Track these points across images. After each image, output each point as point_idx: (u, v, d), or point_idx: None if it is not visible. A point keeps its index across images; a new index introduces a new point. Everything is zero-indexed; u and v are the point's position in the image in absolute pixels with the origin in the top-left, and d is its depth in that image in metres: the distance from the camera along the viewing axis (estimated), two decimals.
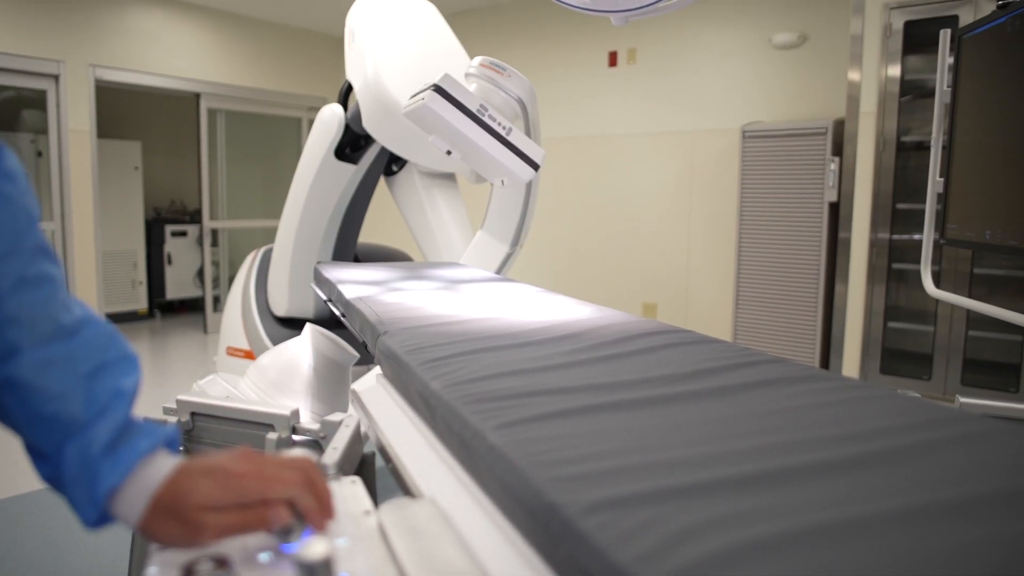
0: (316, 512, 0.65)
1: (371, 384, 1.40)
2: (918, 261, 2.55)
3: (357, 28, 2.79)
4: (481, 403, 0.90)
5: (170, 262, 6.81)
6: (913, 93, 3.72)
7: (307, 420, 1.29)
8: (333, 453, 1.02)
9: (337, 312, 1.96)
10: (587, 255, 5.57)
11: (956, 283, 3.52)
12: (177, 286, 6.88)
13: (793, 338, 4.29)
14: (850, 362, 3.94)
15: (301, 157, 3.13)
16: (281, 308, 3.42)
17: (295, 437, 1.23)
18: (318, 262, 2.78)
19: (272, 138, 6.95)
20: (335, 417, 1.20)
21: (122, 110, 6.73)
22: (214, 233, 6.42)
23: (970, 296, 3.39)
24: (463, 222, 3.10)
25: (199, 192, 6.21)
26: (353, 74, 2.78)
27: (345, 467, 1.04)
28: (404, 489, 0.95)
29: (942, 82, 2.37)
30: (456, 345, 1.21)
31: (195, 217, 6.95)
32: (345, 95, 3.04)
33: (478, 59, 2.10)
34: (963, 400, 1.22)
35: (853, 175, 3.84)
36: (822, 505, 0.61)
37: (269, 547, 0.63)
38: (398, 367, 1.19)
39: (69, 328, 0.65)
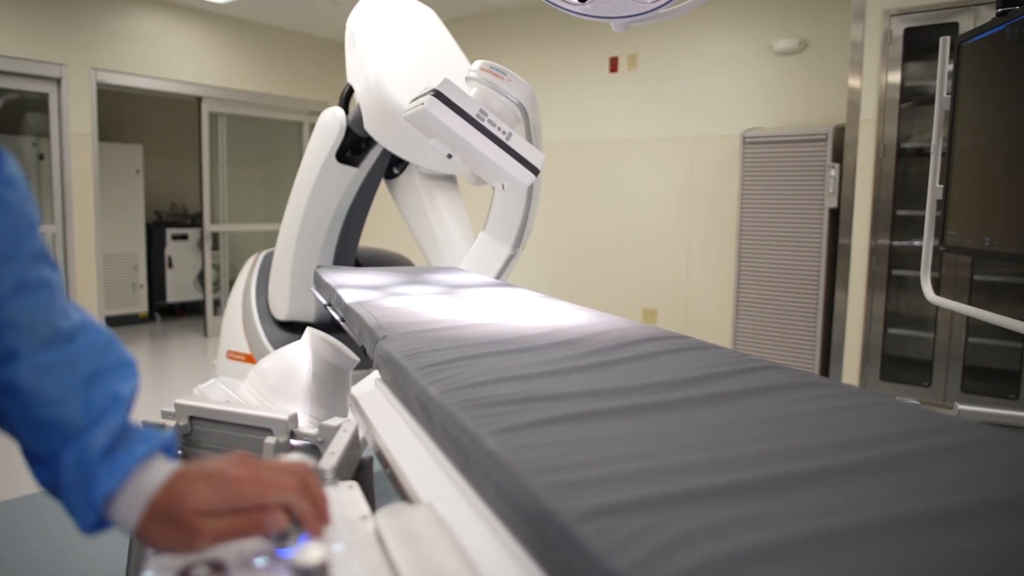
0: (312, 517, 0.65)
1: (369, 389, 1.40)
2: (918, 267, 2.55)
3: (358, 32, 2.81)
4: (478, 408, 0.90)
5: (171, 265, 6.81)
6: (913, 100, 3.73)
7: (305, 425, 1.29)
8: (331, 458, 1.02)
9: (336, 316, 1.96)
10: (587, 260, 5.57)
11: (956, 290, 3.52)
12: (177, 289, 6.88)
13: (793, 344, 4.29)
14: (850, 368, 3.94)
15: (303, 160, 3.14)
16: (282, 312, 3.42)
17: (293, 442, 1.23)
18: (318, 266, 2.79)
19: (273, 142, 6.96)
20: (333, 422, 1.20)
21: (123, 113, 6.74)
22: (215, 236, 6.42)
23: (970, 303, 3.39)
24: (464, 224, 3.11)
25: (200, 195, 6.22)
26: (354, 77, 2.80)
27: (343, 472, 1.04)
28: (401, 494, 0.95)
29: (942, 89, 2.37)
30: (454, 350, 1.21)
31: (196, 220, 6.96)
32: (346, 98, 3.05)
33: (478, 63, 2.10)
34: (962, 407, 1.22)
35: (853, 181, 3.84)
36: (818, 512, 0.61)
37: (265, 552, 0.63)
38: (396, 372, 1.19)
39: (67, 333, 0.66)
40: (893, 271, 3.80)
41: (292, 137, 6.85)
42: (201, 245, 6.45)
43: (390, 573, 0.63)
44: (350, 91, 3.01)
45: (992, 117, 2.16)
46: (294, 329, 3.48)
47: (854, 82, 3.79)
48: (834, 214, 4.08)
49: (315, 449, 1.24)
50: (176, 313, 7.11)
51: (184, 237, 6.89)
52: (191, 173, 6.90)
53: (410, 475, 0.96)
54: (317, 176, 3.03)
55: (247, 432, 1.26)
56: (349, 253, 3.40)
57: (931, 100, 3.16)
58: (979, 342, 3.56)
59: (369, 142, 3.02)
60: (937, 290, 3.32)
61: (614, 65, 5.34)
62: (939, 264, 3.53)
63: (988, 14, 3.27)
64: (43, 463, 0.64)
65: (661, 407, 0.91)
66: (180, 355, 5.59)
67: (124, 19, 5.47)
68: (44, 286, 0.65)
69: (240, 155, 6.60)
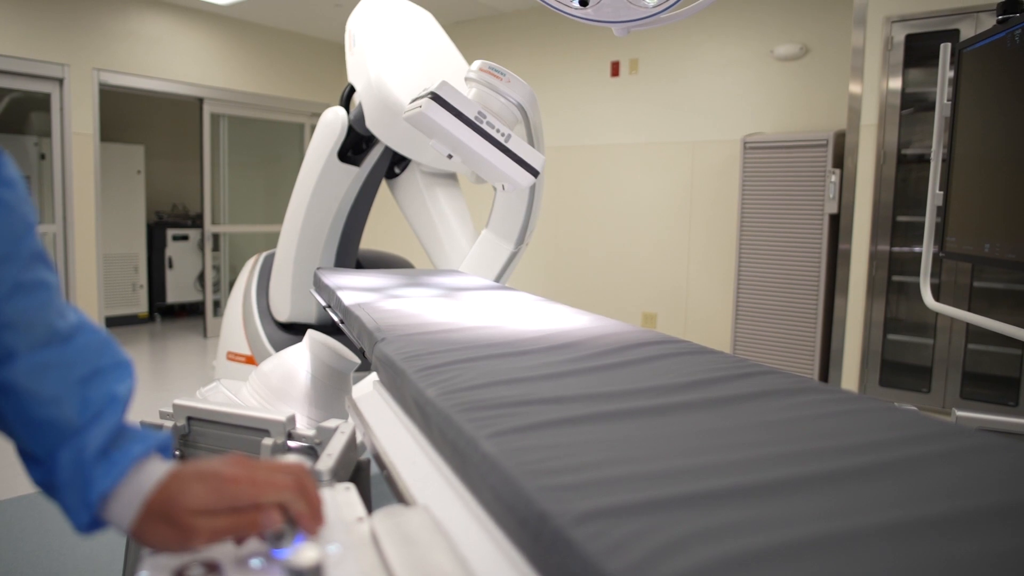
0: (307, 517, 0.65)
1: (368, 391, 1.40)
2: (918, 273, 2.55)
3: (358, 32, 2.83)
4: (476, 411, 0.90)
5: (171, 266, 6.82)
6: (914, 106, 3.73)
7: (303, 426, 1.28)
8: (327, 460, 1.02)
9: (336, 318, 1.96)
10: (587, 264, 5.57)
11: (956, 296, 3.52)
12: (178, 290, 6.88)
13: (792, 350, 4.29)
14: (849, 374, 3.94)
15: (304, 160, 3.15)
16: (283, 314, 3.42)
17: (291, 443, 1.23)
18: (318, 268, 2.79)
19: (274, 143, 6.97)
20: (331, 423, 1.20)
21: (125, 114, 6.75)
22: (215, 237, 6.43)
23: (970, 309, 3.39)
24: (466, 221, 3.12)
25: (201, 196, 6.22)
26: (355, 76, 2.82)
27: (340, 474, 1.04)
28: (398, 496, 0.95)
29: (942, 95, 2.38)
30: (453, 353, 1.21)
31: (196, 221, 6.97)
32: (347, 98, 3.06)
33: (477, 63, 2.10)
34: (959, 413, 1.22)
35: (854, 187, 3.85)
36: (813, 517, 0.61)
37: (260, 553, 0.63)
38: (394, 374, 1.19)
39: (64, 333, 0.66)
40: (893, 277, 3.80)
41: (293, 139, 6.86)
42: (202, 246, 6.45)
43: (385, 574, 0.63)
44: (351, 91, 3.03)
45: (992, 124, 2.17)
46: (295, 330, 3.48)
47: (855, 88, 3.80)
48: (834, 220, 4.08)
49: (313, 451, 1.24)
50: (176, 314, 7.11)
51: (185, 238, 6.89)
52: (192, 174, 6.90)
53: (407, 477, 0.96)
54: (319, 175, 3.04)
55: (244, 433, 1.26)
56: (350, 254, 3.41)
57: (932, 106, 3.16)
58: (979, 348, 3.55)
59: (370, 141, 3.04)
60: (937, 296, 3.32)
61: (615, 69, 5.34)
62: (939, 270, 3.53)
63: (989, 21, 3.28)
64: (39, 463, 0.64)
65: (658, 411, 0.91)
66: (179, 356, 5.59)
67: (127, 20, 5.48)
68: (41, 287, 0.66)
69: (241, 156, 6.60)
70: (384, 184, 3.37)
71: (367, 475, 1.20)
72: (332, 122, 2.99)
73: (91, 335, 0.68)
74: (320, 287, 2.22)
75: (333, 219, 3.20)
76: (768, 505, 0.63)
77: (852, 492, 0.67)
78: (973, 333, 3.54)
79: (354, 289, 2.00)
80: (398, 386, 1.17)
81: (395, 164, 3.23)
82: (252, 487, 0.63)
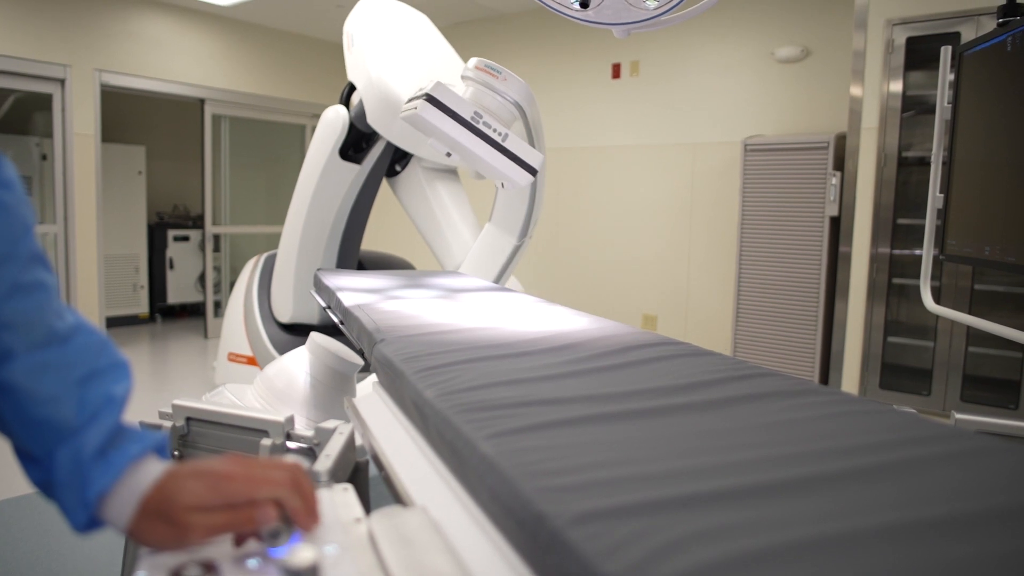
0: (302, 513, 0.65)
1: (367, 392, 1.40)
2: (919, 276, 2.55)
3: (356, 32, 2.86)
4: (474, 412, 0.90)
5: (172, 267, 6.82)
6: (915, 109, 3.73)
7: (302, 427, 1.28)
8: (326, 460, 1.02)
9: (336, 319, 1.96)
10: (588, 266, 5.57)
11: (956, 299, 3.51)
12: (179, 291, 6.88)
13: (793, 352, 4.29)
14: (849, 377, 3.93)
15: (306, 159, 3.16)
16: (286, 314, 3.42)
17: (289, 444, 1.23)
18: (318, 269, 2.79)
19: (275, 144, 6.97)
20: (329, 424, 1.20)
21: (127, 115, 6.76)
22: (216, 238, 6.43)
23: (970, 312, 3.39)
24: (469, 215, 3.13)
25: (202, 197, 6.23)
26: (355, 74, 2.85)
27: (338, 474, 1.04)
28: (396, 497, 0.95)
29: (943, 98, 2.37)
30: (452, 354, 1.21)
31: (197, 222, 6.97)
32: (347, 97, 3.08)
33: (473, 60, 2.09)
34: (958, 416, 1.22)
35: (854, 189, 3.85)
36: (811, 519, 0.61)
37: (257, 553, 0.63)
38: (393, 375, 1.19)
39: (62, 334, 0.66)
40: (893, 279, 3.80)
41: (295, 140, 6.86)
42: (202, 247, 6.45)
43: (382, 575, 0.63)
44: (350, 89, 3.06)
45: (993, 127, 2.17)
46: (297, 331, 3.49)
47: (856, 90, 3.80)
48: (835, 222, 4.08)
49: (311, 452, 1.24)
50: (176, 314, 7.11)
51: (185, 239, 6.90)
52: (193, 175, 6.91)
53: (405, 478, 0.96)
54: (321, 174, 3.06)
55: (243, 434, 1.26)
56: (352, 255, 3.41)
57: (932, 109, 3.16)
58: (979, 351, 3.55)
59: (371, 140, 3.06)
60: (937, 299, 3.32)
61: (616, 71, 5.35)
62: (939, 273, 3.53)
63: (990, 24, 3.28)
64: (36, 462, 0.64)
65: (657, 412, 0.91)
66: (180, 356, 5.59)
67: (128, 21, 5.49)
68: (40, 288, 0.66)
69: (242, 157, 6.61)
70: (385, 186, 3.37)
71: (366, 476, 1.20)
72: (333, 120, 3.01)
73: (89, 336, 0.68)
74: (320, 288, 2.22)
75: (335, 218, 3.21)
76: (766, 507, 0.63)
77: (850, 494, 0.67)
78: (973, 336, 3.53)
79: (354, 290, 2.00)
80: (397, 387, 1.17)
81: (396, 162, 3.24)
82: (247, 483, 0.63)
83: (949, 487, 0.68)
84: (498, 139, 1.88)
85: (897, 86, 3.67)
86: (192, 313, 7.16)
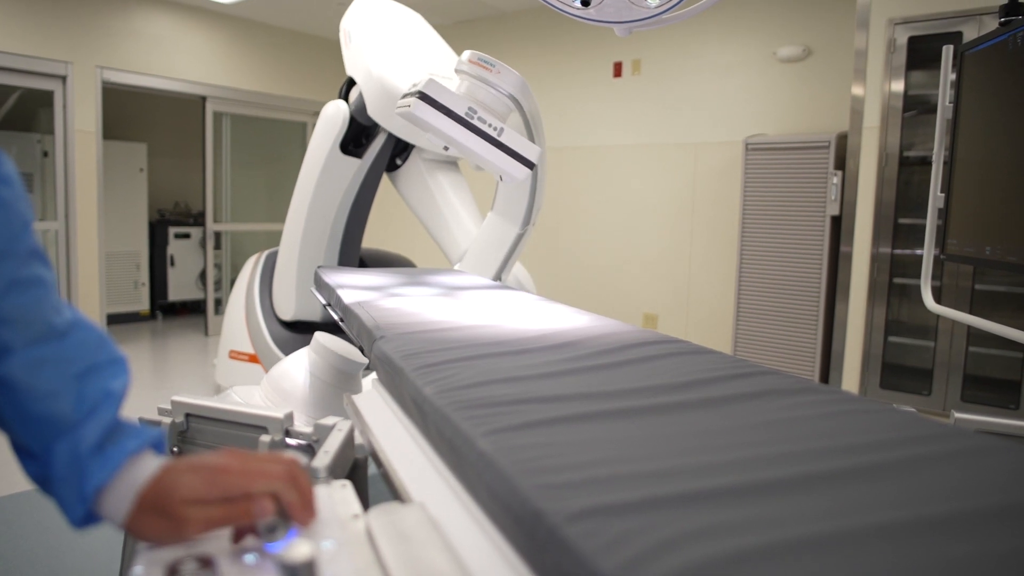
0: (299, 507, 0.65)
1: (366, 389, 1.40)
2: (919, 276, 2.54)
3: (353, 29, 2.90)
4: (473, 409, 0.90)
5: (173, 264, 6.82)
6: (916, 108, 3.72)
7: (301, 423, 1.28)
8: (324, 456, 1.02)
9: (336, 317, 1.96)
10: (589, 264, 5.57)
11: (957, 299, 3.51)
12: (179, 288, 6.89)
13: (793, 351, 4.28)
14: (850, 376, 3.93)
15: (306, 155, 3.16)
16: (288, 312, 3.42)
17: (288, 440, 1.23)
18: (319, 267, 2.79)
19: (277, 142, 6.97)
20: (328, 421, 1.20)
21: (128, 112, 6.76)
22: (217, 236, 6.43)
23: (971, 312, 3.38)
24: (471, 204, 3.15)
25: (203, 195, 6.23)
26: (354, 69, 2.88)
27: (336, 471, 1.04)
28: (394, 494, 0.94)
29: (944, 98, 2.37)
30: (451, 351, 1.21)
31: (198, 219, 6.97)
32: (346, 92, 3.10)
33: (467, 54, 2.08)
34: (958, 415, 1.21)
35: (855, 189, 3.84)
36: (808, 518, 0.61)
37: (253, 548, 0.63)
38: (392, 372, 1.19)
39: (61, 330, 0.66)
40: (894, 279, 3.80)
41: (296, 137, 6.86)
42: (203, 244, 6.46)
43: (379, 572, 0.63)
44: (349, 84, 3.08)
45: (994, 126, 2.16)
46: (300, 328, 3.49)
47: (857, 90, 3.79)
48: (836, 221, 4.07)
49: (311, 448, 1.24)
50: (177, 312, 7.12)
51: (186, 236, 6.90)
52: (194, 172, 6.91)
53: (403, 475, 0.96)
54: (322, 168, 3.07)
55: (242, 430, 1.26)
56: (353, 251, 3.42)
57: (934, 109, 3.16)
58: (980, 351, 3.55)
59: (371, 134, 3.08)
60: (938, 299, 3.31)
61: (618, 70, 5.34)
62: (940, 273, 3.52)
63: (992, 24, 3.27)
64: (34, 457, 0.64)
65: (656, 410, 0.91)
66: (181, 354, 5.59)
67: (130, 18, 5.49)
68: (38, 283, 0.66)
69: (244, 155, 6.61)
70: (385, 184, 3.38)
71: (364, 473, 1.20)
72: (333, 115, 3.02)
73: (87, 332, 0.69)
74: (321, 285, 2.22)
75: (336, 213, 3.22)
76: (764, 505, 0.63)
77: (849, 492, 0.67)
78: (974, 336, 3.53)
79: (354, 288, 2.00)
80: (396, 384, 1.17)
81: (396, 156, 3.25)
82: (244, 477, 0.63)
83: (948, 486, 0.68)
84: (493, 134, 1.87)
85: (899, 85, 3.66)
86: (193, 310, 7.17)
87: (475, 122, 1.86)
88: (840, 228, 3.98)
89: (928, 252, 2.47)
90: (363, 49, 2.79)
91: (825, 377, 4.14)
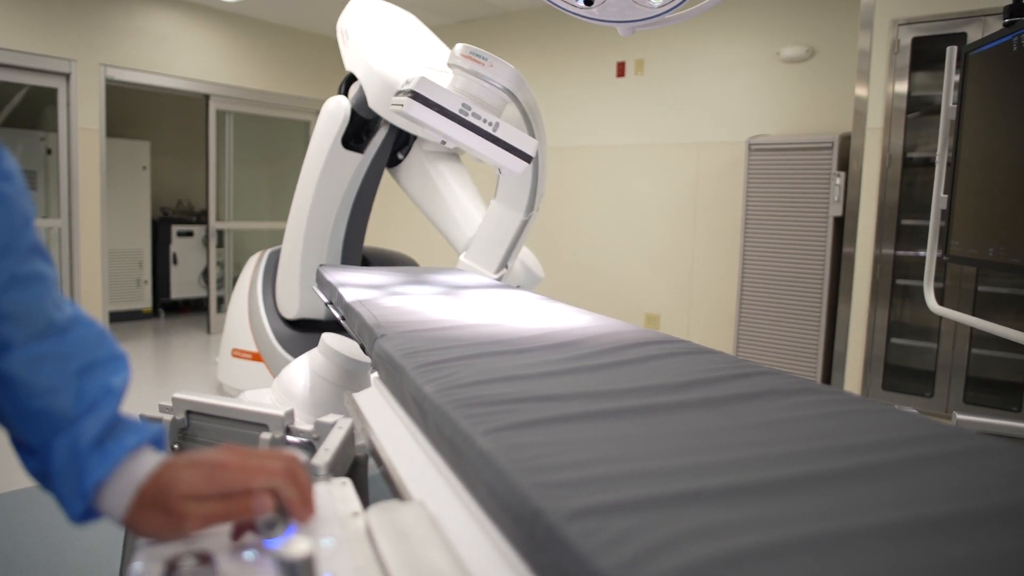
0: (298, 503, 0.65)
1: (367, 387, 1.40)
2: (922, 277, 2.54)
3: (350, 27, 2.93)
4: (473, 408, 0.90)
5: (175, 262, 6.83)
6: (920, 109, 3.72)
7: (301, 421, 1.28)
8: (324, 454, 1.02)
9: (337, 315, 1.96)
10: (591, 264, 5.57)
11: (960, 300, 3.50)
12: (182, 286, 6.89)
13: (795, 352, 4.28)
14: (852, 378, 3.92)
15: (308, 152, 3.17)
16: (292, 310, 3.42)
17: (289, 438, 1.23)
18: (321, 265, 2.80)
19: (280, 140, 6.98)
20: (329, 419, 1.20)
21: (131, 110, 6.76)
22: (220, 234, 6.44)
23: (974, 314, 3.38)
24: (474, 193, 3.17)
25: (206, 193, 6.23)
26: (353, 64, 2.90)
27: (336, 469, 1.04)
28: (394, 492, 0.94)
29: (948, 99, 2.36)
30: (452, 350, 1.21)
31: (201, 218, 6.97)
32: (346, 88, 3.12)
33: (459, 47, 2.08)
34: (960, 417, 1.21)
35: (858, 190, 3.83)
36: (808, 517, 0.60)
37: (252, 545, 0.63)
38: (393, 370, 1.19)
39: (61, 326, 0.67)
40: (897, 281, 3.79)
41: (299, 136, 6.87)
42: (206, 242, 6.46)
43: (379, 570, 0.63)
44: (348, 81, 3.11)
45: (998, 127, 2.16)
46: (303, 327, 3.49)
47: (861, 91, 3.78)
48: (838, 222, 4.06)
49: (311, 446, 1.24)
50: (180, 310, 7.12)
51: (189, 234, 6.90)
52: (197, 170, 6.91)
53: (403, 473, 0.96)
54: (324, 164, 3.08)
55: (243, 428, 1.26)
56: (356, 249, 3.42)
57: (938, 110, 3.15)
58: (982, 353, 3.54)
59: (372, 128, 3.09)
60: (941, 300, 3.30)
61: (621, 70, 5.34)
62: (943, 274, 3.52)
63: (996, 24, 3.27)
64: (33, 452, 0.64)
65: (656, 410, 0.91)
66: (183, 352, 5.60)
67: (134, 16, 5.49)
68: (39, 279, 0.66)
69: (247, 153, 6.61)
70: (387, 183, 3.38)
71: (364, 471, 1.20)
72: (334, 110, 3.03)
73: (87, 328, 0.69)
74: (323, 284, 2.22)
75: (339, 209, 3.22)
76: (764, 504, 0.63)
77: (850, 492, 0.66)
78: (977, 338, 3.52)
79: (356, 286, 2.00)
80: (397, 382, 1.17)
81: (398, 150, 3.26)
82: (243, 472, 0.64)
83: (949, 486, 0.68)
84: (489, 130, 1.87)
85: (902, 86, 3.66)
86: (195, 309, 7.17)
87: (469, 118, 1.86)
88: (843, 229, 3.97)
89: (931, 253, 2.46)
90: (361, 45, 2.82)
91: (827, 378, 4.13)
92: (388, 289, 1.98)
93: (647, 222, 5.27)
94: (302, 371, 2.07)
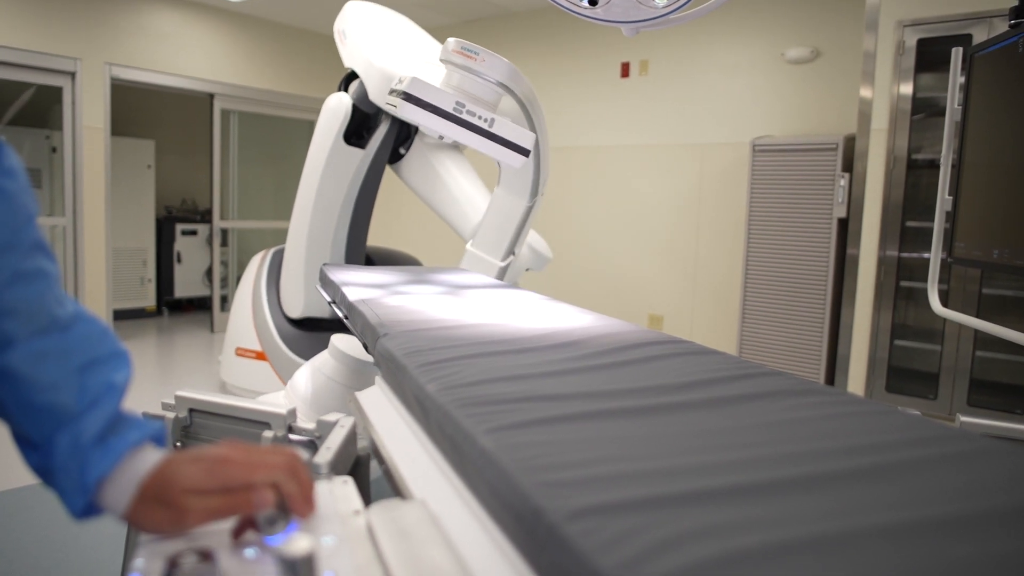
0: (299, 498, 0.65)
1: (370, 386, 1.40)
2: (926, 279, 2.53)
3: (347, 27, 2.97)
4: (474, 407, 0.90)
5: (179, 261, 6.84)
6: (925, 111, 3.71)
7: (304, 420, 1.29)
8: (326, 452, 1.02)
9: (341, 314, 1.96)
10: (594, 264, 5.57)
11: (965, 302, 3.49)
12: (186, 285, 6.91)
13: (799, 354, 4.27)
14: (855, 379, 3.91)
15: (310, 149, 3.19)
16: (296, 309, 3.43)
17: (291, 436, 1.23)
18: (324, 264, 2.80)
19: (284, 140, 6.99)
20: (331, 417, 1.21)
21: (136, 109, 6.78)
22: (224, 233, 6.45)
23: (979, 316, 3.37)
24: (477, 181, 3.19)
25: (210, 192, 6.24)
26: (353, 61, 2.93)
27: (338, 467, 1.04)
28: (396, 491, 0.94)
29: (953, 100, 2.36)
30: (454, 349, 1.21)
31: (205, 216, 6.99)
32: (346, 85, 3.14)
33: (451, 42, 2.08)
34: (963, 419, 1.21)
35: (863, 191, 3.83)
36: (811, 517, 0.60)
37: (254, 541, 0.63)
38: (395, 369, 1.19)
39: (63, 322, 0.67)
40: (901, 282, 3.78)
41: (303, 135, 6.86)
42: (210, 241, 6.47)
43: (380, 569, 0.63)
44: (348, 78, 3.13)
45: (1003, 129, 2.15)
46: (307, 326, 3.50)
47: (866, 92, 3.78)
48: (843, 224, 4.06)
49: (313, 445, 1.24)
50: (183, 308, 7.14)
51: (193, 233, 6.92)
52: (202, 169, 6.93)
53: (405, 472, 0.96)
54: (326, 160, 3.10)
55: (245, 426, 1.26)
56: (359, 247, 3.43)
57: (943, 112, 3.14)
58: (987, 356, 3.53)
59: (373, 124, 3.11)
60: (945, 302, 3.29)
61: (625, 70, 5.33)
62: (948, 276, 3.51)
63: (1002, 26, 3.26)
64: (35, 448, 0.65)
65: (658, 410, 0.91)
66: (186, 350, 5.61)
67: (139, 15, 5.51)
68: (41, 276, 0.66)
69: (251, 152, 6.62)
70: (388, 182, 3.39)
71: (366, 469, 1.20)
72: (336, 106, 3.05)
73: (89, 324, 0.69)
74: (326, 283, 2.22)
75: (341, 206, 3.24)
76: (765, 505, 0.63)
77: (852, 493, 0.66)
78: (981, 340, 3.51)
79: (359, 285, 2.00)
80: (399, 381, 1.17)
81: (399, 145, 3.28)
82: (244, 467, 0.64)
83: (952, 488, 0.68)
84: (484, 126, 1.87)
85: (907, 88, 3.65)
86: (199, 307, 7.19)
87: (464, 116, 1.87)
88: (847, 230, 3.97)
89: (935, 255, 2.45)
90: (360, 41, 2.87)
91: (831, 380, 4.13)
92: (391, 288, 1.98)
93: (651, 222, 5.26)
94: (313, 374, 2.07)
